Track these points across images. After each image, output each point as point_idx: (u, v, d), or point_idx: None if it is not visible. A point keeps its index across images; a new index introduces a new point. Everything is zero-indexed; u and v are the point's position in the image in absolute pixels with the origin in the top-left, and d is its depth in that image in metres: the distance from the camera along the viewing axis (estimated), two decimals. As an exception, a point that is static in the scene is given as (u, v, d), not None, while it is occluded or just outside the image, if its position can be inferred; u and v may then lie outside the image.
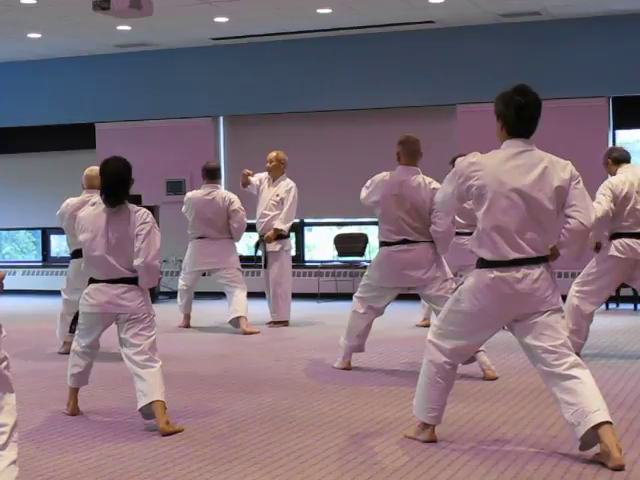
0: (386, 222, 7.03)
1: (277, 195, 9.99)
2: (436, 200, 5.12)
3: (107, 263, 5.58)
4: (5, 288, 3.87)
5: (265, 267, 10.04)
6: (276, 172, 10.06)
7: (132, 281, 5.60)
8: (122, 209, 5.61)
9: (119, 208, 5.61)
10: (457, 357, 4.94)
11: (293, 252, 13.46)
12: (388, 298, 7.15)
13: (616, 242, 7.36)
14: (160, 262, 5.75)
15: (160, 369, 5.56)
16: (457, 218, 7.27)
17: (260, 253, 10.15)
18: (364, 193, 7.14)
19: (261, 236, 10.08)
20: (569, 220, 4.67)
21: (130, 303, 5.58)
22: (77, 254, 7.52)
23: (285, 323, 10.12)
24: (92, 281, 5.72)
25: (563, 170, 4.66)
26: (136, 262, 5.52)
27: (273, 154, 10.06)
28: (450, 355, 4.89)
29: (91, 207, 5.83)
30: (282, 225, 9.92)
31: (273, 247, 9.95)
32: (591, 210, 4.70)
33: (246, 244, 13.44)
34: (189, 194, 10.01)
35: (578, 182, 4.68)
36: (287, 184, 10.04)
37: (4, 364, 3.66)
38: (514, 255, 4.60)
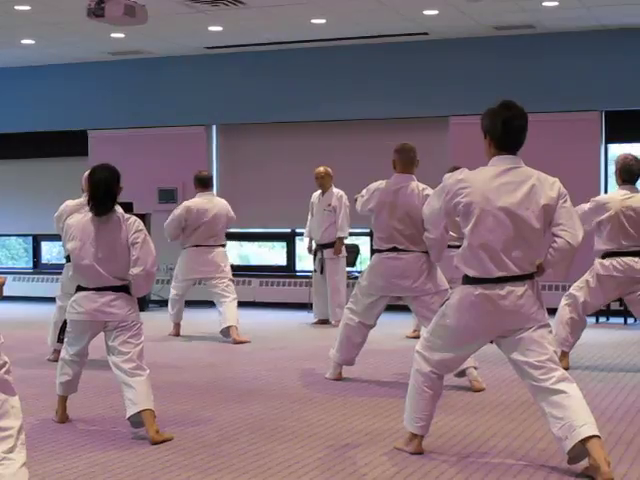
0: (378, 230, 7.05)
1: (329, 205, 10.83)
2: (424, 214, 5.10)
3: (96, 272, 5.55)
4: (-5, 294, 3.87)
5: (322, 273, 10.90)
6: (327, 184, 10.88)
7: (120, 289, 5.59)
8: (111, 217, 5.58)
9: (108, 216, 5.59)
10: (443, 368, 4.97)
11: (284, 262, 13.55)
12: (377, 308, 7.09)
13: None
14: (158, 269, 5.76)
15: (148, 377, 5.54)
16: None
17: (314, 261, 11.04)
18: (360, 202, 7.15)
19: (319, 245, 10.92)
20: (556, 239, 4.66)
21: (119, 311, 5.57)
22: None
23: None
24: (80, 289, 5.70)
25: (551, 188, 4.66)
26: (135, 270, 5.50)
27: (321, 169, 10.91)
28: (436, 366, 4.91)
29: (79, 215, 5.81)
30: (343, 233, 10.78)
31: (332, 255, 10.77)
32: (578, 229, 4.69)
33: (237, 253, 13.46)
34: (188, 203, 9.83)
35: (565, 200, 4.68)
36: (337, 193, 10.85)
37: (4, 369, 3.71)
38: (499, 273, 4.61)
